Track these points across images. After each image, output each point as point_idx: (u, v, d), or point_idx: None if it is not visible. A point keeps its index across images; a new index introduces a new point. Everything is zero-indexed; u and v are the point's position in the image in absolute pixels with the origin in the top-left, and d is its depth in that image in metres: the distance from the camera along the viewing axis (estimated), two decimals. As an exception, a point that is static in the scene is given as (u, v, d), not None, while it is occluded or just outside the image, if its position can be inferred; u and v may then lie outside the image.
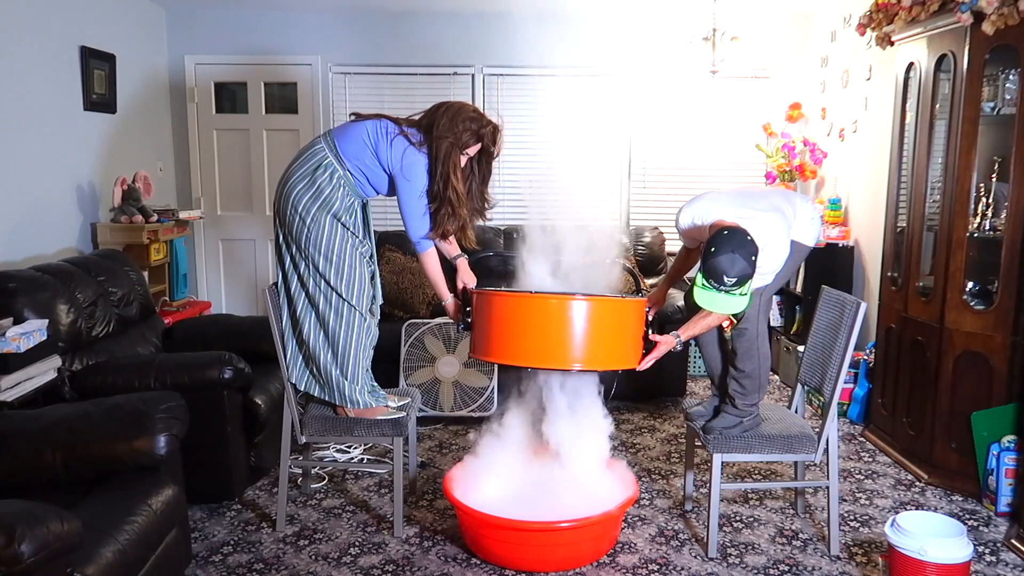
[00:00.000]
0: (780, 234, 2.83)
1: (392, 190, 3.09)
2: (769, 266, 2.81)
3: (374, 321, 3.21)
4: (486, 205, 3.21)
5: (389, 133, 3.00)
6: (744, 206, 2.85)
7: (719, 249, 2.63)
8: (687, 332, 2.95)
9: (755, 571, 2.93)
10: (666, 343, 2.93)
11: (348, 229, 3.04)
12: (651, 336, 2.92)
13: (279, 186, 3.09)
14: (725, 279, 2.62)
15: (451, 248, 3.19)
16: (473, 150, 3.05)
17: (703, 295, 2.70)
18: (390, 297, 4.91)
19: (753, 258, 2.63)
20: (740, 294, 2.67)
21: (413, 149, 2.97)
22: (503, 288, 3.02)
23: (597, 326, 2.79)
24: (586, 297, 2.79)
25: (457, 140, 2.97)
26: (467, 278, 3.17)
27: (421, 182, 2.99)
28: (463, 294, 3.13)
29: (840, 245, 4.92)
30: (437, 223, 3.02)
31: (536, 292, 2.86)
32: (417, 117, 3.08)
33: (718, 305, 2.70)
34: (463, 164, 3.04)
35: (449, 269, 3.18)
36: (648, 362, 2.92)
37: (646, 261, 5.35)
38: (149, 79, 5.43)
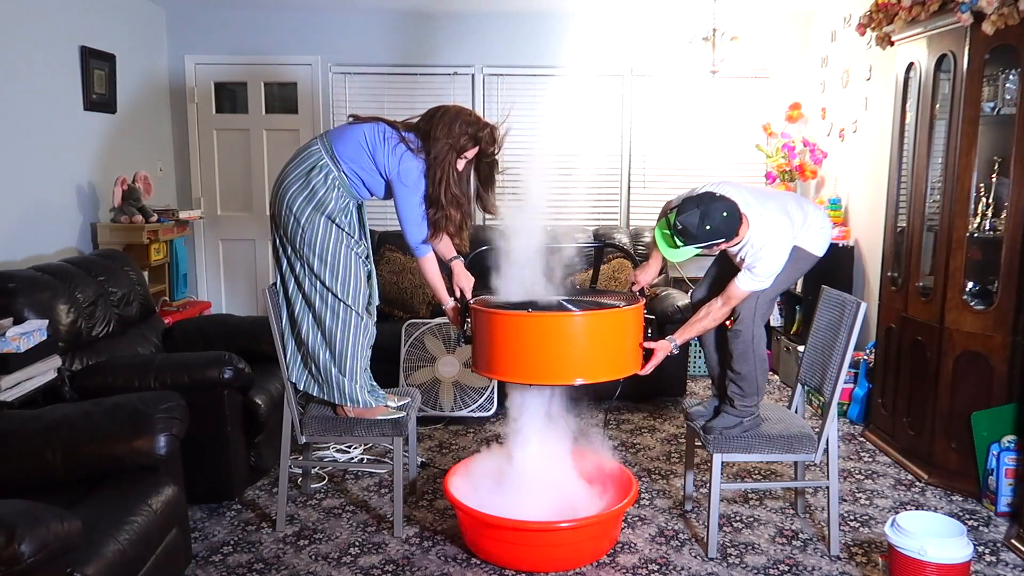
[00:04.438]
0: (781, 238, 2.83)
1: (388, 194, 3.09)
2: (765, 268, 2.82)
3: (371, 321, 3.21)
4: (493, 207, 3.20)
5: (388, 139, 2.99)
6: (757, 202, 2.87)
7: (700, 199, 2.72)
8: (682, 336, 2.97)
9: (755, 571, 2.93)
10: (662, 349, 2.94)
11: (343, 230, 3.04)
12: (646, 344, 2.93)
13: (275, 187, 3.09)
14: (677, 222, 2.69)
15: (447, 250, 3.18)
16: (471, 153, 3.05)
17: (660, 226, 2.84)
18: (390, 297, 4.92)
19: (708, 227, 2.67)
20: (675, 245, 2.76)
21: (411, 155, 2.97)
22: (501, 300, 3.00)
23: (597, 338, 2.81)
24: (583, 312, 2.80)
25: (455, 144, 2.97)
26: (463, 282, 3.15)
27: (419, 188, 2.99)
28: (461, 300, 3.13)
29: (840, 245, 4.91)
30: (435, 227, 3.02)
31: (533, 308, 2.83)
32: (415, 121, 3.08)
33: (658, 238, 2.83)
34: (461, 168, 3.04)
35: (447, 271, 3.18)
36: (650, 368, 2.95)
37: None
38: (149, 79, 5.43)
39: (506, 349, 2.83)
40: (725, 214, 2.69)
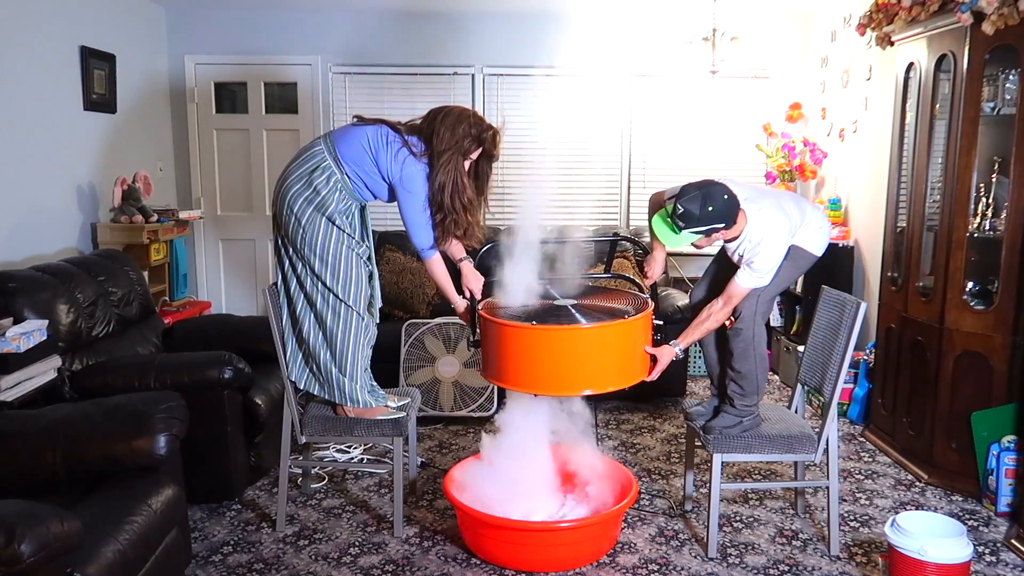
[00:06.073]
0: (779, 232, 2.84)
1: (392, 197, 3.08)
2: (764, 263, 2.83)
3: (372, 321, 3.21)
4: (486, 206, 3.20)
5: (391, 143, 2.97)
6: (753, 198, 2.88)
7: (700, 185, 2.74)
8: (686, 339, 2.97)
9: (755, 571, 2.93)
10: (666, 354, 2.94)
11: (344, 231, 3.02)
12: (649, 349, 2.93)
13: (277, 187, 3.08)
14: (678, 206, 2.70)
15: (456, 251, 3.16)
16: (475, 155, 3.04)
17: (659, 215, 2.85)
18: (390, 297, 4.92)
19: (711, 208, 2.69)
20: (675, 230, 2.76)
21: (413, 160, 2.96)
22: (509, 306, 3.00)
23: (605, 349, 2.81)
24: (591, 324, 2.78)
25: (460, 148, 2.96)
26: (473, 283, 3.12)
27: (422, 193, 2.98)
28: (471, 301, 3.12)
29: (840, 245, 4.91)
30: (445, 231, 3.01)
31: (539, 317, 2.83)
32: (417, 123, 3.06)
33: (657, 226, 2.84)
34: (466, 169, 3.03)
35: (456, 271, 3.17)
36: (656, 373, 2.96)
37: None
38: (149, 79, 5.43)
39: (514, 359, 2.83)
40: (726, 196, 2.72)
